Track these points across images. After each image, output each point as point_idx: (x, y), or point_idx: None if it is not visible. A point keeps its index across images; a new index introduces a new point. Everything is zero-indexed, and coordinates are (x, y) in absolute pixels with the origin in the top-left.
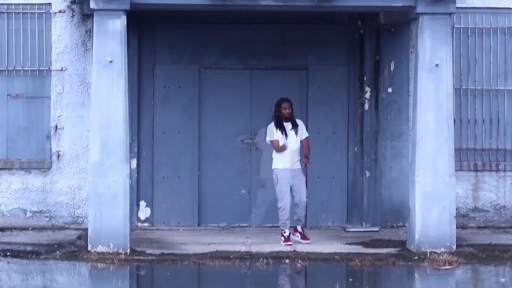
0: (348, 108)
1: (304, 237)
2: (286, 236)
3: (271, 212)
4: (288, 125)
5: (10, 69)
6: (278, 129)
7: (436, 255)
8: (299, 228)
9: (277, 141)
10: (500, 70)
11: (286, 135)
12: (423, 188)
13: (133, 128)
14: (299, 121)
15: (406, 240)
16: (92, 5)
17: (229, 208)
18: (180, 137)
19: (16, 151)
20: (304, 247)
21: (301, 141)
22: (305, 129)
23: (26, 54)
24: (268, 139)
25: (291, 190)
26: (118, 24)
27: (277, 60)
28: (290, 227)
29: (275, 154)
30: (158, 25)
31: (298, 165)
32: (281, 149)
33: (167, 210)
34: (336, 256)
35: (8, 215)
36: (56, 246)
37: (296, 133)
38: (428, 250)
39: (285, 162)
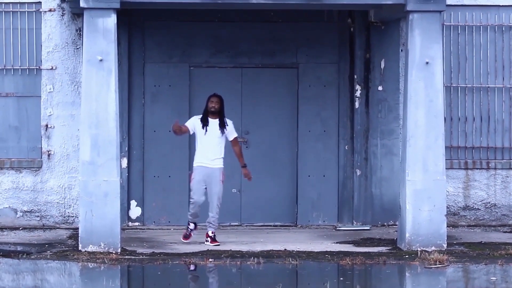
0: (338, 106)
1: (213, 240)
2: (187, 233)
3: (263, 210)
4: (214, 122)
5: (0, 68)
6: (201, 122)
7: (427, 253)
8: (209, 233)
9: (185, 127)
10: (491, 68)
11: (206, 129)
12: (413, 186)
13: (124, 127)
14: (229, 122)
15: (397, 238)
16: (82, 3)
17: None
18: (170, 136)
19: (7, 150)
20: (295, 246)
21: (231, 143)
22: (234, 130)
23: (16, 53)
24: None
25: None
26: (108, 22)
27: (267, 58)
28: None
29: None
30: (148, 24)
31: (215, 164)
32: (174, 128)
33: (158, 209)
34: (327, 255)
35: None
36: (46, 245)
37: (222, 132)
38: (419, 249)
39: (200, 159)
